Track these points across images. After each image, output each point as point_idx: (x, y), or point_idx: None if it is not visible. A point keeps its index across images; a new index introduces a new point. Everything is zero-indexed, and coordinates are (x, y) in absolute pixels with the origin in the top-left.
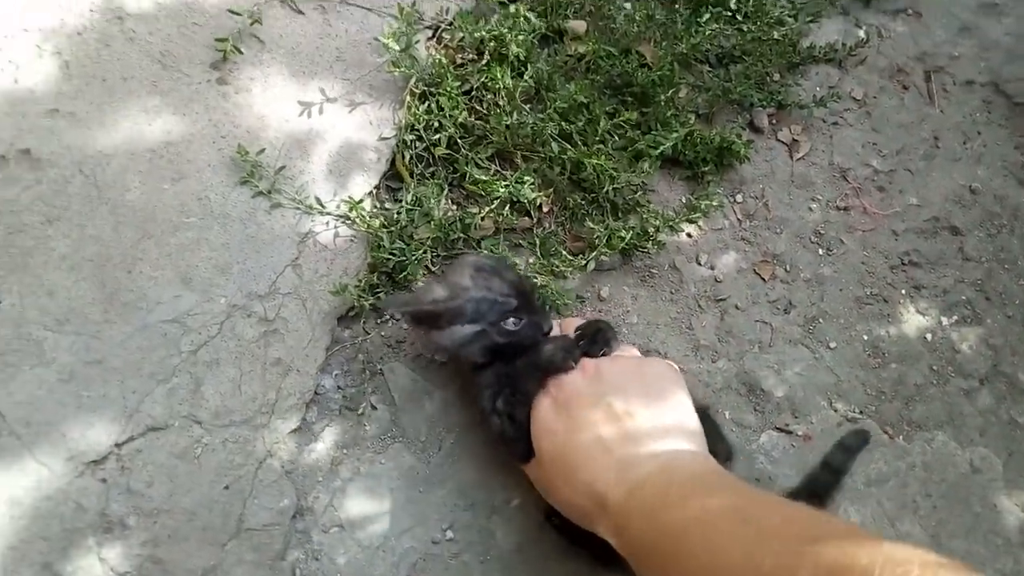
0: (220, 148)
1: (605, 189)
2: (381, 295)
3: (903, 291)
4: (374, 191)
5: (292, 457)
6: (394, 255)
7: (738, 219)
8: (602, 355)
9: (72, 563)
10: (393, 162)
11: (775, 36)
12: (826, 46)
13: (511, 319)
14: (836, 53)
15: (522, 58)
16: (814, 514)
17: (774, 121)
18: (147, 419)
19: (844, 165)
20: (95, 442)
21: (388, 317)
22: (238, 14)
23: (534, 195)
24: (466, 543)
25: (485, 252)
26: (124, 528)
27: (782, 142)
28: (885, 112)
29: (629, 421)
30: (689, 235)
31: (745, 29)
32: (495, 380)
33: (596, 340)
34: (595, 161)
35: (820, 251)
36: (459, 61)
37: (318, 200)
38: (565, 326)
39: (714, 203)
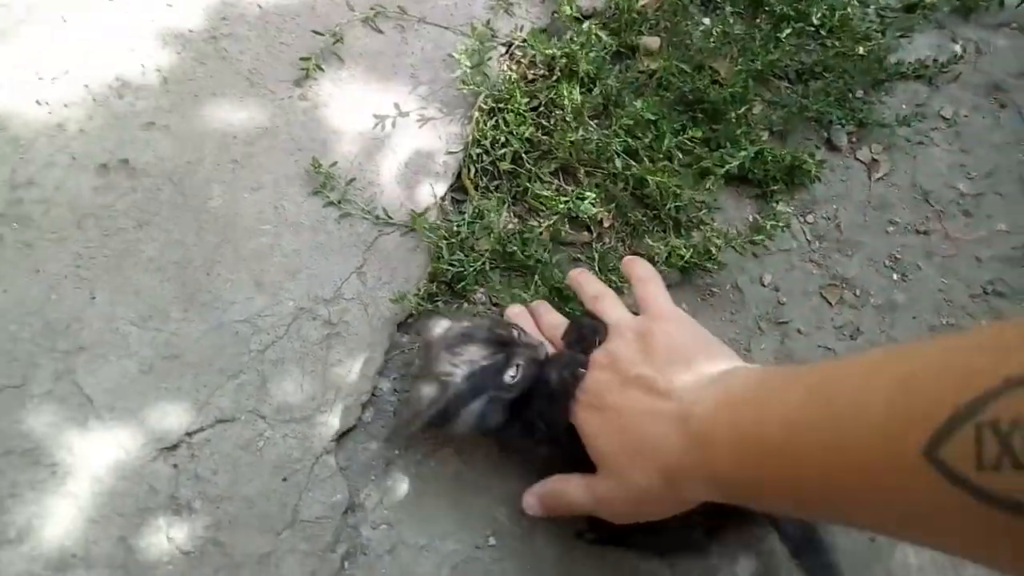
0: (297, 160)
1: (668, 206)
2: (439, 303)
3: (983, 321)
4: (439, 203)
5: (347, 455)
6: (453, 265)
7: (807, 240)
8: (597, 344)
9: (144, 539)
10: (459, 176)
11: (860, 52)
12: (916, 62)
13: (508, 373)
14: (927, 69)
15: (592, 75)
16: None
17: (853, 140)
18: (216, 411)
19: (927, 187)
20: (169, 430)
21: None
22: (322, 34)
23: (595, 210)
24: (508, 550)
25: (437, 315)
26: (191, 511)
27: (861, 161)
28: (977, 132)
29: (663, 380)
30: (755, 255)
31: (828, 44)
32: (521, 429)
33: (583, 335)
34: (658, 178)
35: (894, 276)
36: (530, 77)
37: (385, 211)
38: (541, 324)
39: (780, 223)
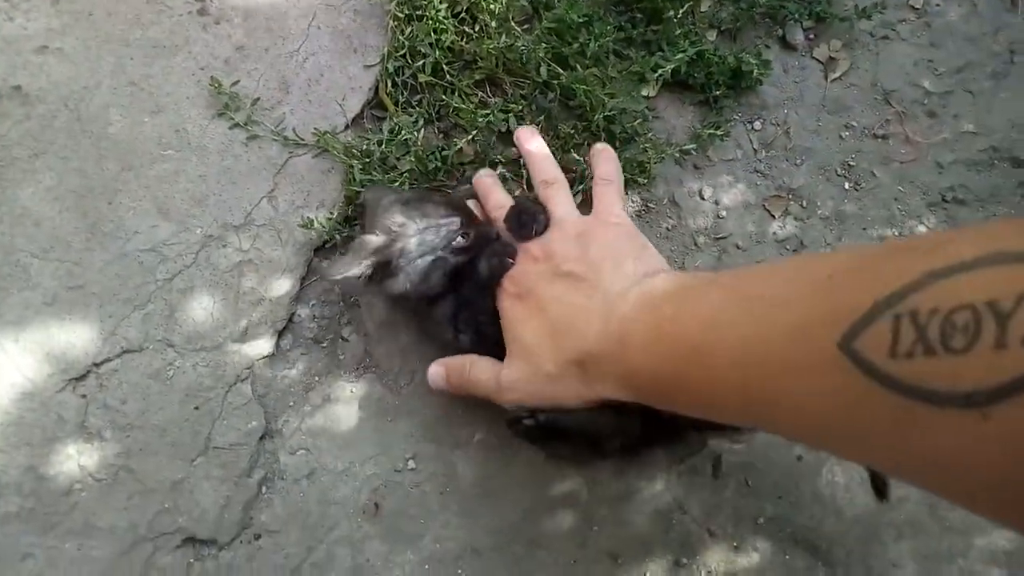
0: (199, 80)
1: (596, 116)
2: (357, 227)
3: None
4: (356, 121)
5: (264, 382)
6: (366, 186)
7: (753, 149)
8: (535, 235)
9: (54, 467)
10: (377, 90)
11: None
12: None
13: (459, 237)
14: None
15: None
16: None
17: (811, 36)
18: (123, 341)
19: (888, 86)
20: (75, 361)
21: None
22: None
23: (518, 125)
24: (427, 474)
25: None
26: (101, 439)
27: (817, 60)
28: (951, 23)
29: (593, 275)
30: (695, 167)
31: None
32: (451, 308)
33: (523, 223)
34: (584, 87)
35: (846, 185)
36: None
37: (295, 131)
38: (487, 202)
39: (719, 132)
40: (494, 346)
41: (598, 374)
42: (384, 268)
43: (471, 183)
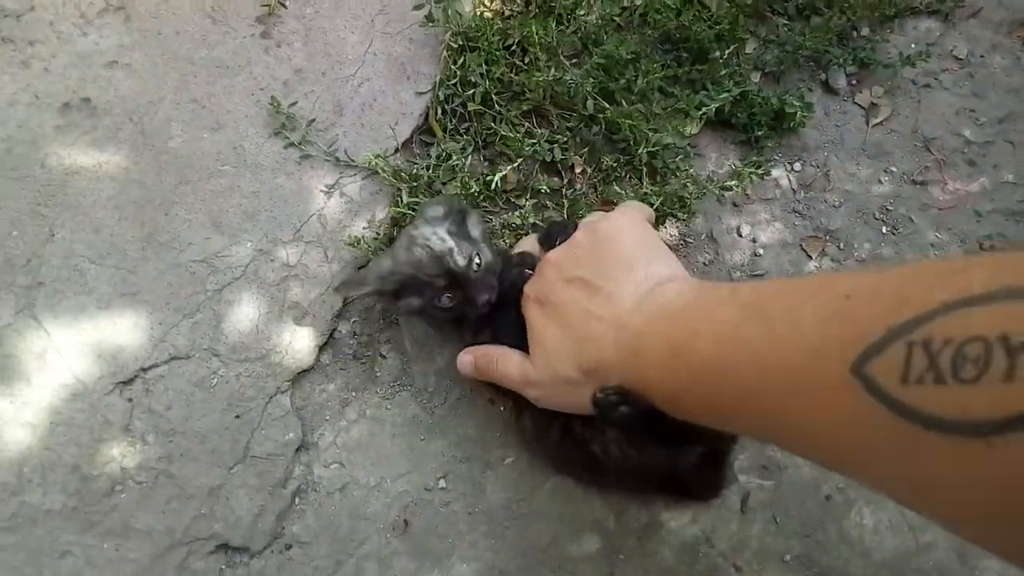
0: (258, 100)
1: (640, 151)
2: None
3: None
4: (405, 146)
5: (303, 395)
6: (413, 209)
7: (792, 189)
8: (559, 242)
9: (97, 468)
10: (427, 117)
11: None
12: None
13: (444, 297)
14: (943, 4)
15: (570, 10)
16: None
17: (853, 82)
18: (171, 348)
19: (929, 134)
20: (124, 365)
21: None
22: None
23: (563, 155)
24: (457, 493)
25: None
26: (144, 443)
27: (859, 105)
28: (993, 74)
29: (603, 282)
30: (734, 204)
31: None
32: (475, 324)
33: (550, 234)
34: (631, 121)
35: (884, 229)
36: (506, 13)
37: (346, 153)
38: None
39: (760, 171)
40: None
41: (616, 382)
42: (390, 293)
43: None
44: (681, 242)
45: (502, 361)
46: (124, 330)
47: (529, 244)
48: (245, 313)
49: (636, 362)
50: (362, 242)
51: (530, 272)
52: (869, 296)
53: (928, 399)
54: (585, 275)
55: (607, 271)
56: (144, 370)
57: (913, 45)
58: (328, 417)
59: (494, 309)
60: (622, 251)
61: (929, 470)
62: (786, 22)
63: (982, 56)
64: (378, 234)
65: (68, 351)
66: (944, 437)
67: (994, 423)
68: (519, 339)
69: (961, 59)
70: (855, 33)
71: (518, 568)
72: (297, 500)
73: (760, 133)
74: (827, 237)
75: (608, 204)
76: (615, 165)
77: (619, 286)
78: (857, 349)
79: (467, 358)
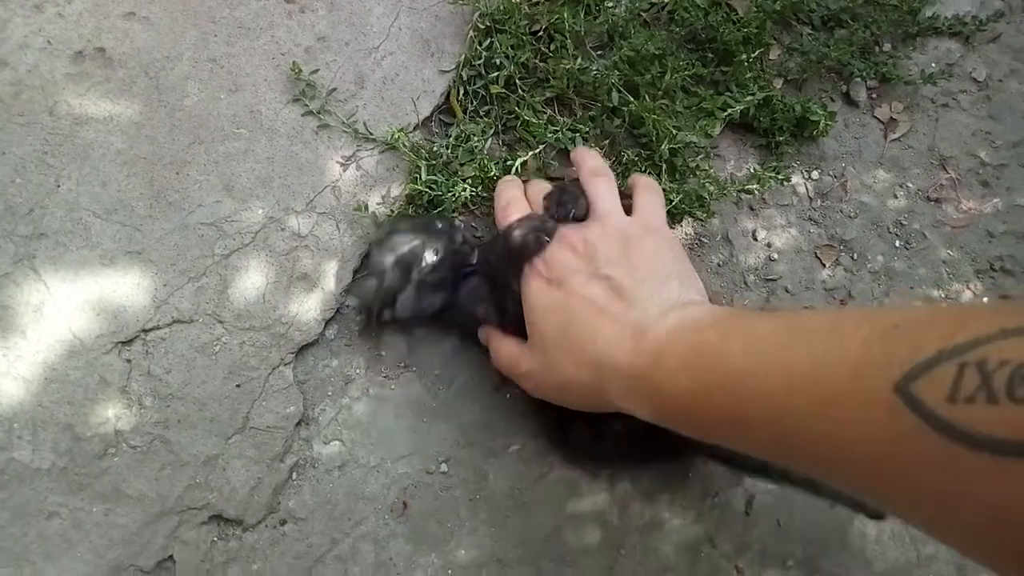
0: (278, 64)
1: (663, 147)
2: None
3: (984, 299)
4: (425, 123)
5: (306, 369)
6: (431, 188)
7: (809, 197)
8: (572, 219)
9: (91, 429)
10: (448, 96)
11: (893, 1)
12: (953, 17)
13: (427, 255)
14: (964, 26)
15: (598, 1)
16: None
17: (873, 96)
18: (174, 311)
19: (945, 152)
20: (125, 324)
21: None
22: None
23: (586, 145)
24: (459, 479)
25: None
26: (141, 407)
27: (878, 119)
28: (1009, 98)
29: (633, 287)
30: (751, 208)
31: None
32: (475, 287)
33: (563, 202)
34: (655, 117)
35: (897, 243)
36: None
37: (365, 125)
38: (529, 192)
39: (780, 176)
40: (518, 323)
41: (619, 387)
42: (384, 304)
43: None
44: (696, 242)
45: (497, 345)
46: (127, 289)
47: (517, 199)
48: (252, 281)
49: (652, 369)
50: (376, 217)
51: (548, 239)
52: (920, 323)
53: (977, 418)
54: (616, 275)
55: (640, 279)
56: (145, 331)
57: (933, 64)
58: (330, 393)
59: (493, 274)
60: (660, 266)
61: (977, 491)
62: (810, 31)
63: (1000, 80)
64: (392, 211)
65: (67, 306)
66: (996, 457)
67: None
68: (502, 294)
69: (979, 81)
70: (877, 48)
71: (517, 558)
72: (294, 475)
73: (781, 139)
74: (841, 247)
75: (626, 198)
76: (636, 159)
77: (647, 296)
78: (903, 367)
79: (482, 335)
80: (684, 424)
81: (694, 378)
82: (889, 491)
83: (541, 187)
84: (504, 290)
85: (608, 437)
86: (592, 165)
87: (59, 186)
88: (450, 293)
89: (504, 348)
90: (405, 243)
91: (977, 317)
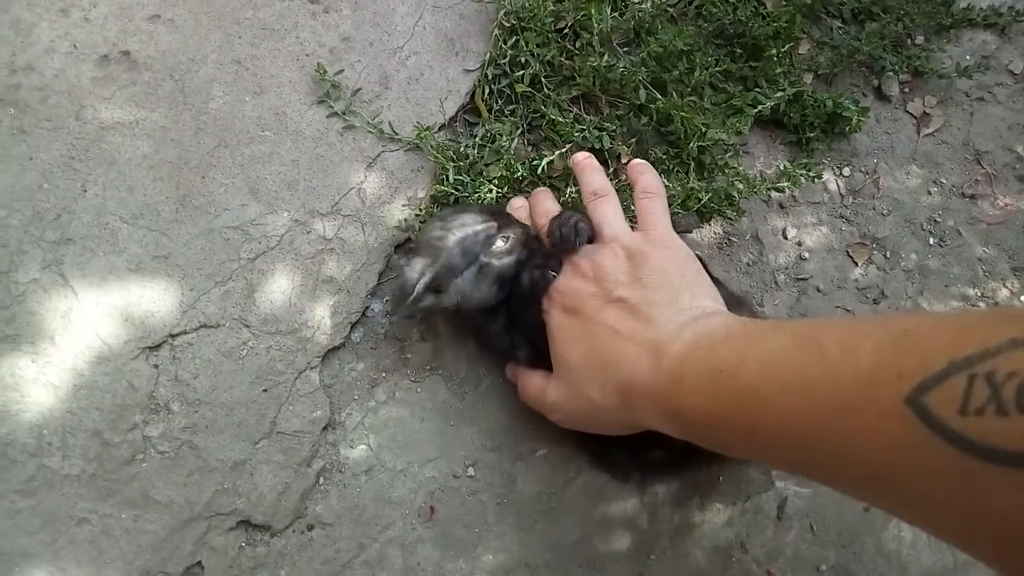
0: (303, 66)
1: (691, 145)
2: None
3: (1022, 298)
4: (450, 123)
5: (332, 372)
6: (458, 189)
7: (841, 194)
8: (578, 246)
9: (119, 435)
10: (473, 96)
11: None
12: (988, 8)
13: (498, 240)
14: (1000, 17)
15: None
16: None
17: (906, 90)
18: (201, 316)
19: (981, 147)
20: (152, 330)
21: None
22: None
23: (611, 144)
24: (486, 483)
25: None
26: (168, 412)
27: (911, 114)
28: None
29: (646, 306)
30: (781, 206)
31: None
32: (504, 321)
33: (564, 236)
34: (684, 114)
35: (931, 241)
36: None
37: (391, 126)
38: (535, 210)
39: (812, 173)
40: (539, 355)
41: (644, 408)
42: (435, 283)
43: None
44: (725, 241)
45: (525, 382)
46: (154, 294)
47: (522, 211)
48: (278, 285)
49: (673, 389)
50: (406, 220)
51: (554, 275)
52: (929, 332)
53: (988, 430)
54: (628, 296)
55: (651, 296)
56: (172, 336)
57: (968, 57)
58: (356, 397)
59: (517, 313)
60: (669, 279)
61: (992, 503)
62: (841, 25)
63: None
64: (419, 212)
65: (95, 312)
66: (1008, 470)
67: None
68: (531, 334)
69: (1016, 74)
70: (910, 40)
71: (545, 563)
72: (322, 480)
73: (811, 135)
74: (874, 245)
75: None
76: (663, 157)
77: (661, 312)
78: (914, 380)
79: (509, 373)
80: (707, 440)
81: (713, 398)
82: (903, 501)
83: (547, 208)
84: (528, 327)
85: (650, 462)
86: (593, 187)
87: (86, 191)
88: (507, 291)
89: (531, 382)
90: (476, 223)
91: (985, 326)
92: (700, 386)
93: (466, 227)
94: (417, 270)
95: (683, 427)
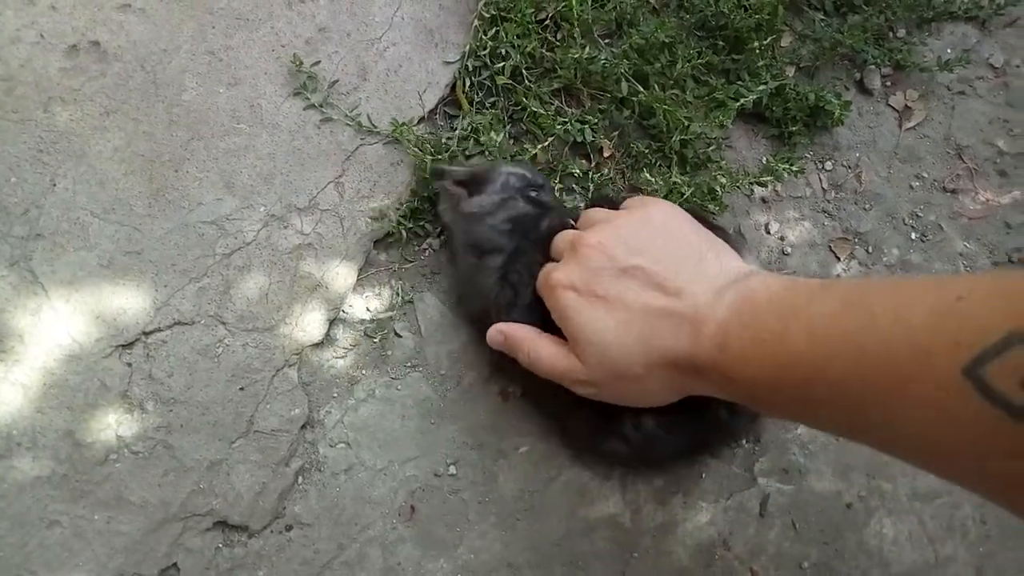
0: (278, 57)
1: (674, 139)
2: (424, 224)
3: None
4: (429, 116)
5: (310, 370)
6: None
7: (823, 189)
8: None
9: (92, 435)
10: (453, 88)
11: None
12: (969, 1)
13: (535, 192)
14: (980, 10)
15: None
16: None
17: (888, 84)
18: (175, 313)
19: (962, 142)
20: (125, 327)
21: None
22: None
23: (593, 138)
24: (468, 481)
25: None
26: (142, 411)
27: (893, 108)
28: None
29: (668, 273)
30: (763, 200)
31: None
32: (502, 261)
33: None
34: (666, 107)
35: (913, 235)
36: None
37: (369, 119)
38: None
39: (794, 167)
40: (530, 309)
41: (693, 377)
42: (473, 183)
43: None
44: None
45: (535, 350)
46: (126, 291)
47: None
48: (255, 281)
49: (719, 359)
50: (386, 217)
51: (572, 222)
52: (986, 297)
53: None
54: (646, 265)
55: (673, 263)
56: (146, 334)
57: (949, 50)
58: (336, 395)
59: (522, 251)
60: (687, 240)
61: None
62: (823, 17)
63: (1018, 66)
64: (400, 206)
65: (65, 309)
66: None
67: None
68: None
69: (997, 68)
70: (892, 34)
71: (527, 562)
72: (300, 479)
73: (794, 129)
74: (856, 240)
75: (636, 191)
76: (646, 151)
77: (691, 280)
78: (973, 350)
79: (497, 336)
80: (760, 406)
81: (760, 366)
82: (960, 471)
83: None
84: (526, 270)
85: (615, 436)
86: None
87: (55, 185)
88: (515, 242)
89: (544, 349)
90: (527, 171)
91: None
92: (746, 356)
93: (518, 168)
94: (477, 166)
95: (735, 395)
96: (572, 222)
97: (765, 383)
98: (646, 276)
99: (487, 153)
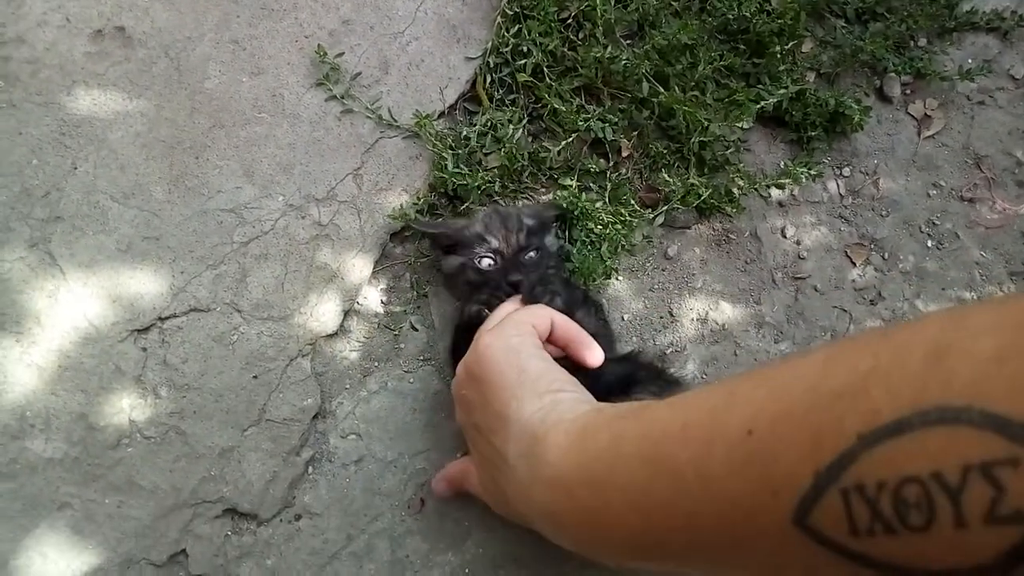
0: (301, 47)
1: (693, 140)
2: (441, 216)
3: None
4: (449, 111)
5: (324, 360)
6: (457, 178)
7: (840, 194)
8: (547, 302)
9: (105, 419)
10: (474, 84)
11: None
12: (992, 12)
13: (487, 260)
14: (1003, 22)
15: None
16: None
17: (907, 92)
18: (191, 299)
19: (980, 151)
20: (141, 312)
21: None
22: None
23: (613, 137)
24: None
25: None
26: (156, 397)
27: (912, 116)
28: None
29: (495, 440)
30: (780, 204)
31: None
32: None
33: (534, 293)
34: (686, 108)
35: (929, 243)
36: None
37: (390, 112)
38: None
39: (812, 172)
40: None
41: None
42: (448, 245)
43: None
44: (724, 238)
45: (468, 475)
46: (143, 275)
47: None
48: (271, 270)
49: (554, 528)
50: (403, 213)
51: (487, 312)
52: (774, 431)
53: (887, 550)
54: (480, 423)
55: (490, 423)
56: (162, 319)
57: (970, 60)
58: (348, 386)
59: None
60: (494, 395)
61: None
62: (844, 24)
63: None
64: (418, 200)
65: (82, 292)
66: None
67: (967, 571)
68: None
69: (1017, 79)
70: (913, 42)
71: (536, 557)
72: (310, 469)
73: (813, 134)
74: (872, 246)
75: (653, 191)
76: (664, 152)
77: (504, 442)
78: (791, 499)
79: (441, 486)
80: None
81: (593, 542)
82: None
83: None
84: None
85: None
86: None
87: (76, 168)
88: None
89: (473, 474)
90: (495, 242)
91: (827, 419)
92: (579, 536)
93: (484, 232)
94: (453, 226)
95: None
96: (487, 312)
97: (610, 555)
98: (483, 433)
99: (503, 155)
